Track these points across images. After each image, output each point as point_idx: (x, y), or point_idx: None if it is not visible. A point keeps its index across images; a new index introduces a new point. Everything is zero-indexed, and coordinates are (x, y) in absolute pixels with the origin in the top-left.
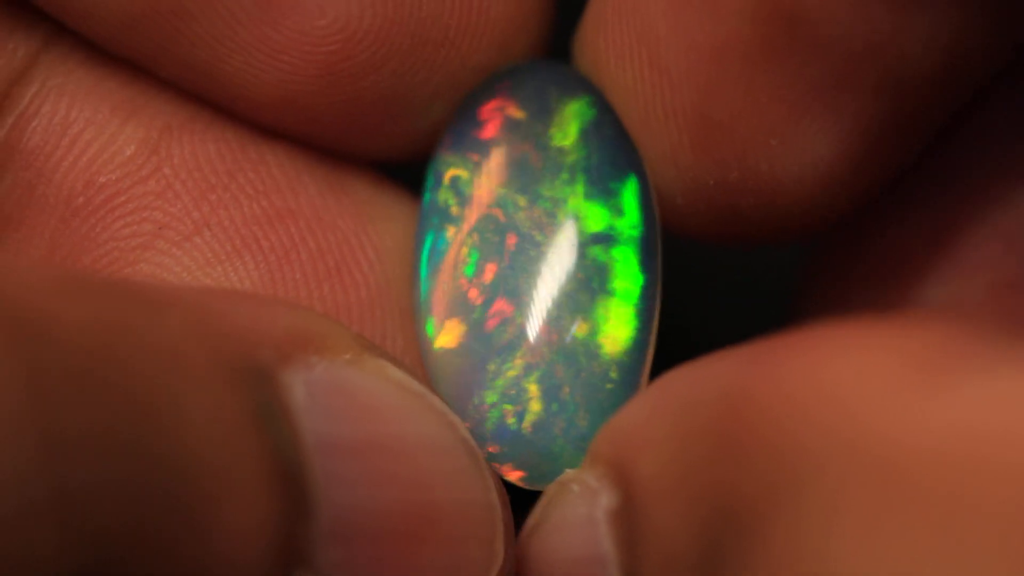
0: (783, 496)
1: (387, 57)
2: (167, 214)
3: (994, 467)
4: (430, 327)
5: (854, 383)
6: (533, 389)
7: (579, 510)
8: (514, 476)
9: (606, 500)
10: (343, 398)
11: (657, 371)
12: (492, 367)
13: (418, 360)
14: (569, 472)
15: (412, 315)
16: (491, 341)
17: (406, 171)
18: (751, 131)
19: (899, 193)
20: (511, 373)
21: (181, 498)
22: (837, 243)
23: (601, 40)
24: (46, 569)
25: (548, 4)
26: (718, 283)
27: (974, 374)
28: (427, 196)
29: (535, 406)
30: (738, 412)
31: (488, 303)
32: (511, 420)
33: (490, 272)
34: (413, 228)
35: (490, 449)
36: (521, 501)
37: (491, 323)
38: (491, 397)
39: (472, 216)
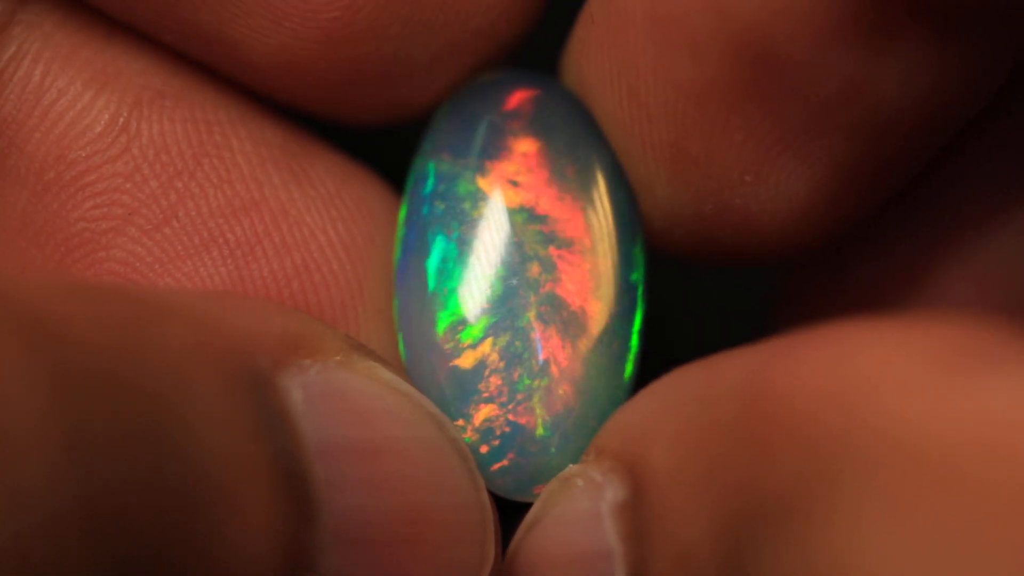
0: (816, 485)
1: (388, 22)
2: (136, 199)
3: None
4: (439, 330)
5: (882, 375)
6: (535, 400)
7: (583, 504)
8: (499, 484)
9: (612, 494)
10: (338, 401)
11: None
12: (490, 375)
13: (398, 364)
14: (572, 467)
15: (390, 316)
16: (499, 352)
17: (376, 154)
18: (726, 168)
19: (875, 229)
20: (514, 382)
21: (202, 493)
22: (812, 273)
23: (585, 65)
24: (74, 573)
25: None
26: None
27: (995, 369)
28: (426, 206)
29: (533, 416)
30: (762, 406)
31: (498, 315)
32: (506, 428)
33: (503, 287)
34: (386, 223)
35: (482, 450)
36: (505, 507)
37: (499, 337)
38: (490, 404)
39: (485, 232)
